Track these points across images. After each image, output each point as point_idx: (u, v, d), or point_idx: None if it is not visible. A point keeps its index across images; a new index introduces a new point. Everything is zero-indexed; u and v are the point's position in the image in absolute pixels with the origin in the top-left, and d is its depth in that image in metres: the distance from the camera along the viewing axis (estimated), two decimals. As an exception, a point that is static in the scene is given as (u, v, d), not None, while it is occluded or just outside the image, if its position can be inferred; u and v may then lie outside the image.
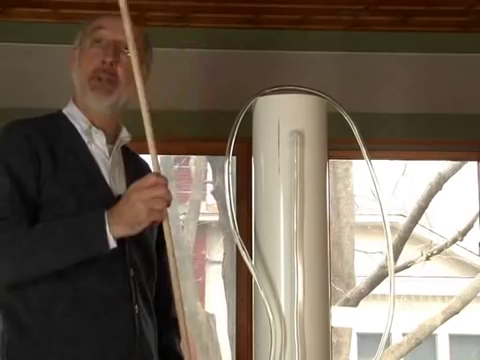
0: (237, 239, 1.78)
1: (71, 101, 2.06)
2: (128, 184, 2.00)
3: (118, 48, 1.98)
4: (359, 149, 1.89)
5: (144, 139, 1.83)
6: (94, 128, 2.01)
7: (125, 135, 2.09)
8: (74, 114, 2.03)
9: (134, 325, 1.91)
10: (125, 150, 2.10)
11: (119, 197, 1.94)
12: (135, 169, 2.09)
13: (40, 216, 1.87)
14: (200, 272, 9.26)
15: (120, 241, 1.87)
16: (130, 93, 1.98)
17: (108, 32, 1.99)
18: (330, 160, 2.27)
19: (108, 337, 1.87)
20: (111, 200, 1.92)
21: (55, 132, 1.97)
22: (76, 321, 1.85)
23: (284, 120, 1.89)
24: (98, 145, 2.01)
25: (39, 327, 1.84)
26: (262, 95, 1.93)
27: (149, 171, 2.06)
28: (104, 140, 2.02)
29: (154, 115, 1.97)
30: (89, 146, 1.99)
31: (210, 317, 8.37)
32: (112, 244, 1.79)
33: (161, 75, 2.15)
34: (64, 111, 2.05)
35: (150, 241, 2.07)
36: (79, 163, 1.96)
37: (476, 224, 7.36)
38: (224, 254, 7.86)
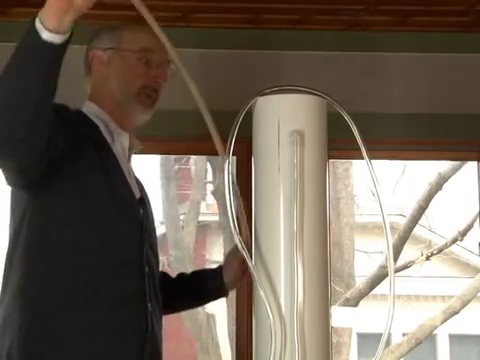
0: (237, 239, 1.78)
1: (88, 101, 2.07)
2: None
3: (166, 68, 2.08)
4: (359, 149, 1.88)
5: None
6: (120, 130, 2.04)
7: (138, 143, 2.12)
8: (97, 113, 2.04)
9: (147, 323, 1.93)
10: None
11: (139, 199, 2.01)
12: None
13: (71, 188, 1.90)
14: (200, 272, 9.24)
15: (138, 241, 1.95)
16: None
17: (158, 55, 2.06)
18: (330, 160, 2.27)
19: (124, 332, 1.88)
20: (133, 200, 1.98)
21: (82, 123, 1.98)
22: (93, 314, 1.85)
23: (284, 120, 1.88)
24: (120, 147, 2.03)
25: (56, 319, 1.84)
26: (262, 95, 1.92)
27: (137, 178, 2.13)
28: (128, 143, 2.06)
29: (154, 115, 1.98)
30: (112, 146, 2.01)
31: (210, 317, 8.37)
32: (49, 37, 1.69)
33: (161, 75, 2.16)
34: (83, 110, 2.05)
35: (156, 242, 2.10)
36: (107, 157, 1.97)
37: (476, 224, 7.36)
38: (224, 254, 7.86)
